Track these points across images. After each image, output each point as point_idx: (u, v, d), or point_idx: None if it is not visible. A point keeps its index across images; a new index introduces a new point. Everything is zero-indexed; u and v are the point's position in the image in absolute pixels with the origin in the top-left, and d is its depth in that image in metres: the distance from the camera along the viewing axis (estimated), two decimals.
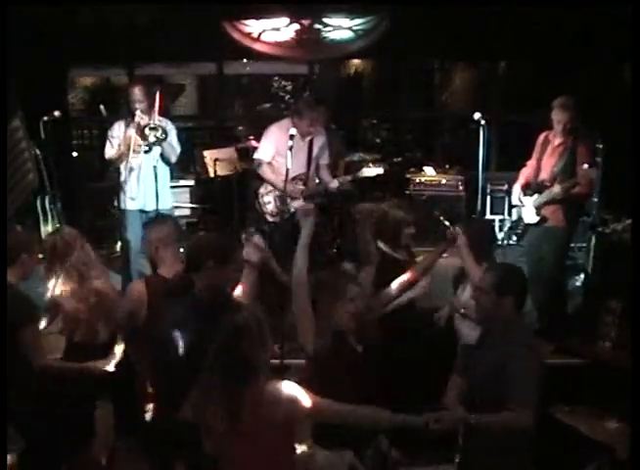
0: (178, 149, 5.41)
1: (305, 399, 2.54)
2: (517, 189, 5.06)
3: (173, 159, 5.38)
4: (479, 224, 4.87)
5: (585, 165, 4.59)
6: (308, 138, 5.40)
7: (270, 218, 5.47)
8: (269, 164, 5.40)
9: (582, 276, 5.67)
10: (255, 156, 5.52)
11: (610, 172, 5.70)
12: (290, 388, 2.55)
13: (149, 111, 5.18)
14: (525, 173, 5.07)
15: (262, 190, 5.50)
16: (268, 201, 5.45)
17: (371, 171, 5.65)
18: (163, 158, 5.30)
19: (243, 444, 2.49)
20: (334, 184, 5.51)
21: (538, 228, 4.88)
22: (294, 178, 5.32)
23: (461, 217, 6.83)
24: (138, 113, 5.12)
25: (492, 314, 3.08)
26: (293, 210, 5.37)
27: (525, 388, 2.86)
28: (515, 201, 5.07)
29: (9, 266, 3.32)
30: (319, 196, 5.60)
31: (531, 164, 5.06)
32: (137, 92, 5.19)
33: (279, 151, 5.30)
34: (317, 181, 5.54)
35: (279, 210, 5.36)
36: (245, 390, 2.49)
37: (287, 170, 4.93)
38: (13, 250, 3.35)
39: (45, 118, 5.30)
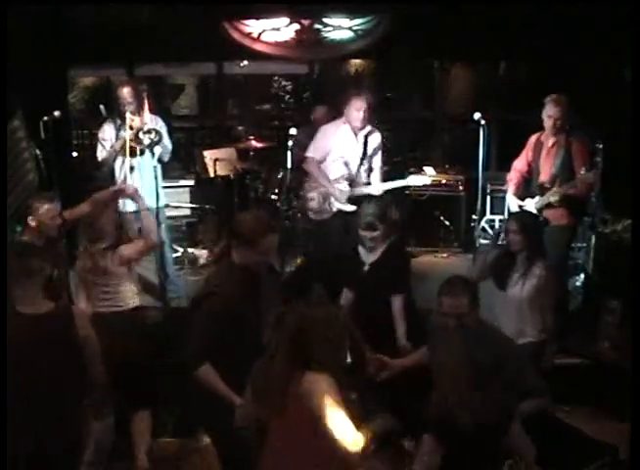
0: (170, 146, 5.44)
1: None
2: (512, 198, 5.02)
3: (166, 158, 5.40)
4: (527, 216, 4.61)
5: (583, 170, 4.60)
6: (362, 133, 5.23)
7: (312, 216, 5.37)
8: (320, 162, 5.28)
9: (582, 276, 5.67)
10: (307, 154, 5.35)
11: (610, 172, 5.69)
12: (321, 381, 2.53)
13: (138, 111, 5.19)
14: (515, 179, 5.05)
15: (307, 186, 5.40)
16: (312, 197, 5.32)
17: (417, 180, 5.39)
18: (157, 158, 5.30)
19: (283, 434, 2.52)
20: (374, 191, 5.18)
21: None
22: (340, 178, 5.21)
23: (461, 217, 6.86)
24: (128, 115, 5.14)
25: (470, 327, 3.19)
26: (335, 210, 5.25)
27: (537, 377, 2.97)
28: (514, 209, 5.00)
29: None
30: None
31: (520, 168, 5.05)
32: (125, 94, 5.20)
33: (332, 150, 5.24)
34: (364, 184, 5.29)
35: (321, 208, 5.27)
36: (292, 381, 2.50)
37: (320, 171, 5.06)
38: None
39: (45, 118, 5.29)
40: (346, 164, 5.22)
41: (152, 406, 3.94)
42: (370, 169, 5.32)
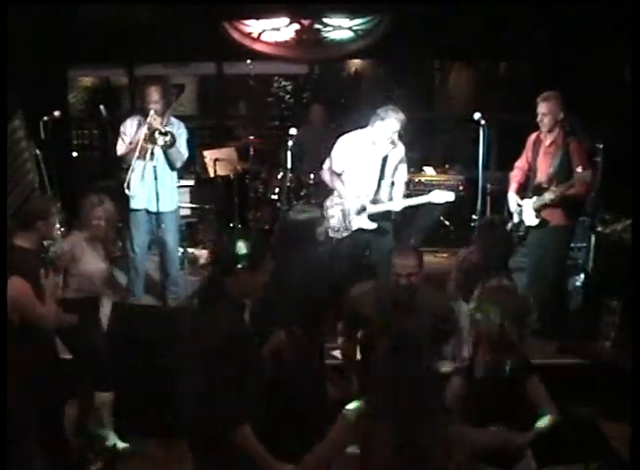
0: (186, 154, 5.32)
1: None
2: (512, 196, 5.01)
3: (179, 164, 5.30)
4: (494, 230, 4.40)
5: (580, 168, 4.58)
6: (387, 149, 4.89)
7: (331, 234, 5.01)
8: (338, 174, 5.04)
9: (582, 276, 5.67)
10: (324, 165, 5.14)
11: (610, 172, 5.70)
12: None
13: (162, 112, 5.13)
14: (517, 177, 5.04)
15: (328, 202, 5.12)
16: (332, 215, 5.04)
17: (440, 197, 4.90)
18: (169, 162, 5.25)
19: None
20: (395, 207, 4.95)
21: (539, 229, 4.88)
22: (361, 193, 4.95)
23: (461, 217, 6.85)
24: (152, 113, 5.02)
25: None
26: (354, 228, 4.93)
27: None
28: (512, 208, 4.98)
29: (25, 231, 3.47)
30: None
31: (521, 166, 5.05)
32: (153, 93, 5.09)
33: (353, 162, 4.98)
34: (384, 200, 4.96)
35: (341, 226, 4.99)
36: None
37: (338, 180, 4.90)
38: (29, 216, 3.53)
39: (45, 118, 5.30)
40: (367, 179, 4.94)
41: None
42: (392, 184, 5.01)
